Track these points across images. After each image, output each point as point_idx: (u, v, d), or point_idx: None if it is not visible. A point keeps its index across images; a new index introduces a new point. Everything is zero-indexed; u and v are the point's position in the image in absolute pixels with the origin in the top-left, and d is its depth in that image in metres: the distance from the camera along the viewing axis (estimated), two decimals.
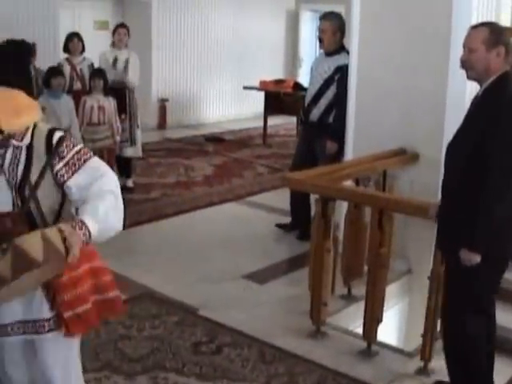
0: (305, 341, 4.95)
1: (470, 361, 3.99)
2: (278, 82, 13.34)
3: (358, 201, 5.17)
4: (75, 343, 3.08)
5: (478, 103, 3.82)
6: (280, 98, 12.65)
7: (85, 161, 2.78)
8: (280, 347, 4.82)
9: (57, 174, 2.76)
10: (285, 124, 14.42)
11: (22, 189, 2.76)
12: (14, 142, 2.77)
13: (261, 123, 13.19)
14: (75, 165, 2.76)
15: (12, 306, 2.85)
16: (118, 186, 2.84)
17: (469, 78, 3.91)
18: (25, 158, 2.77)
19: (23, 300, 2.86)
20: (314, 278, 4.99)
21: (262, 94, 13.41)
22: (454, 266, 3.86)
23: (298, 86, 12.80)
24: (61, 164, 2.75)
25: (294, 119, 13.58)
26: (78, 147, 2.81)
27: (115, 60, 8.40)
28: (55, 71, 7.54)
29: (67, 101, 7.42)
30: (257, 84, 13.56)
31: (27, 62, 3.03)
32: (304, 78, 15.25)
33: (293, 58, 16.78)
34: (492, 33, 3.74)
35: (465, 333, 3.93)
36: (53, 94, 7.32)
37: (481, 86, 3.82)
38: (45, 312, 2.89)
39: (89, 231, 2.66)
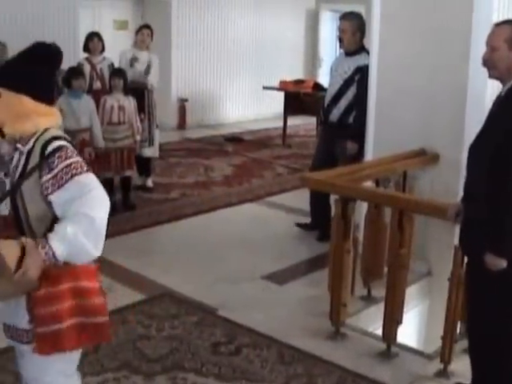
0: (324, 342, 4.94)
1: (494, 362, 3.94)
2: (298, 82, 13.32)
3: (378, 201, 5.14)
4: (54, 362, 2.88)
5: (500, 103, 3.75)
6: (300, 98, 12.64)
7: (72, 176, 2.70)
8: (299, 348, 4.81)
9: (42, 185, 2.71)
10: (304, 124, 14.38)
11: (14, 193, 2.75)
12: (19, 146, 2.78)
13: (280, 123, 13.17)
14: (62, 179, 2.69)
15: (3, 307, 2.86)
16: (104, 208, 2.72)
17: (491, 76, 3.84)
18: (23, 162, 2.76)
19: (11, 304, 2.85)
20: (333, 279, 4.98)
21: (281, 94, 13.39)
22: (478, 269, 3.80)
23: (317, 86, 12.77)
24: (49, 176, 2.71)
25: (313, 119, 13.52)
26: (71, 160, 2.74)
27: (133, 59, 8.41)
28: (76, 72, 7.54)
29: (87, 101, 7.42)
30: (276, 84, 13.53)
31: (52, 67, 2.94)
32: (324, 78, 15.21)
33: (312, 57, 16.74)
34: None
35: (489, 334, 3.88)
36: (73, 94, 7.33)
37: (503, 85, 3.76)
38: (24, 323, 2.84)
39: (53, 251, 2.61)
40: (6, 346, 3.56)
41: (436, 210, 4.47)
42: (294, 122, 13.61)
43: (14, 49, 8.64)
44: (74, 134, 7.22)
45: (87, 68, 8.50)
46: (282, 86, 13.30)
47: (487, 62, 3.78)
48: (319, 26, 16.62)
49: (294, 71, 15.30)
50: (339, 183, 4.98)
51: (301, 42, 16.41)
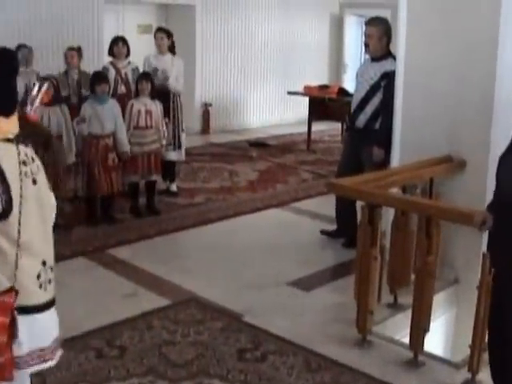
0: (350, 349, 4.90)
1: None
2: (323, 87, 13.27)
3: (404, 208, 5.11)
4: None
5: None
6: (324, 103, 12.59)
7: None
8: (325, 355, 4.78)
9: None
10: (329, 130, 14.33)
11: None
12: None
13: (304, 128, 13.13)
14: None
15: None
16: None
17: None
18: None
19: None
20: (360, 286, 4.94)
21: (305, 99, 13.35)
22: (507, 281, 3.77)
23: (342, 92, 12.73)
24: None
25: (338, 125, 13.52)
26: None
27: (154, 70, 8.44)
28: (100, 77, 7.57)
29: (112, 105, 7.43)
30: (301, 89, 13.50)
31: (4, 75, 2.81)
32: (348, 84, 15.19)
33: (337, 63, 16.70)
34: None
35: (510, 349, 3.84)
36: (98, 99, 7.36)
37: None
38: None
39: None
40: None
41: (462, 217, 4.42)
42: (319, 127, 13.57)
43: (39, 52, 8.80)
44: (98, 138, 7.27)
45: (112, 72, 8.53)
46: (307, 91, 13.26)
47: None
48: (344, 31, 16.58)
49: (318, 76, 15.30)
50: (366, 189, 4.95)
51: (325, 47, 16.38)
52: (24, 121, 2.98)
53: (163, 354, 4.73)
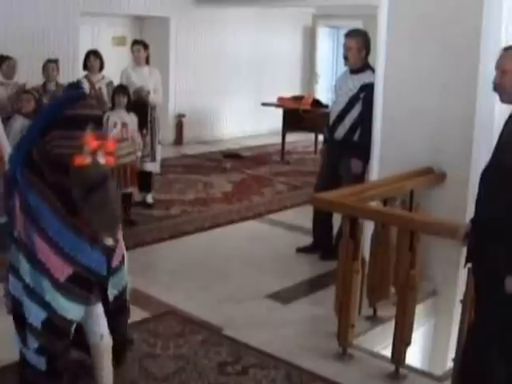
0: (332, 363, 4.88)
1: None
2: (297, 98, 13.31)
3: (391, 222, 5.10)
4: None
5: None
6: (298, 114, 12.61)
7: None
8: (306, 369, 4.75)
9: None
10: (302, 141, 14.35)
11: None
12: None
13: (277, 139, 13.15)
14: None
15: None
16: None
17: (502, 101, 3.80)
18: None
19: None
20: (342, 300, 4.92)
21: (278, 110, 13.36)
22: (490, 296, 3.77)
23: (316, 103, 12.77)
24: None
25: (311, 136, 13.55)
26: None
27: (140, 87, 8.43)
28: (74, 88, 7.51)
29: None
30: (274, 100, 13.51)
31: None
32: (320, 94, 15.28)
33: (309, 73, 16.75)
34: None
35: (484, 368, 3.83)
36: None
37: None
38: None
39: None
40: None
41: (447, 231, 4.42)
42: (292, 138, 13.57)
43: (20, 64, 8.71)
44: None
45: (86, 86, 8.46)
46: (281, 103, 13.27)
47: (498, 86, 3.75)
48: (316, 42, 16.62)
49: (291, 87, 15.33)
50: (351, 203, 4.93)
51: (298, 58, 16.44)
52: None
53: (144, 367, 4.67)
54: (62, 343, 3.85)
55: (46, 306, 3.72)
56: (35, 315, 3.75)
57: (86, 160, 3.48)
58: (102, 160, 3.39)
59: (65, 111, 3.70)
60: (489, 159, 3.83)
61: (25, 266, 3.73)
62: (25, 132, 4.00)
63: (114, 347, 4.06)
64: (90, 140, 3.47)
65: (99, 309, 4.01)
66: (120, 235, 3.91)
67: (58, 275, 3.68)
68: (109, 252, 3.80)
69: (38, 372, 3.83)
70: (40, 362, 3.80)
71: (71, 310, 3.78)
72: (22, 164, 3.76)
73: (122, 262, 4.03)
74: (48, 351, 3.79)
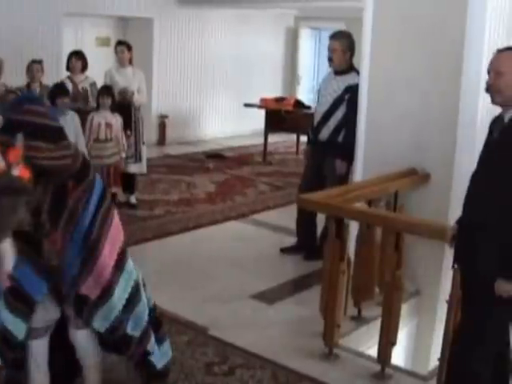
0: (318, 363, 4.90)
1: None
2: (279, 99, 13.34)
3: (377, 223, 5.13)
4: None
5: (505, 130, 3.74)
6: (281, 115, 12.64)
7: None
8: (293, 369, 4.76)
9: None
10: (283, 141, 14.42)
11: None
12: None
13: (259, 140, 13.21)
14: None
15: None
16: None
17: (494, 102, 3.81)
18: None
19: None
20: (327, 300, 4.95)
21: (260, 111, 13.39)
22: (479, 297, 3.80)
23: (298, 104, 12.81)
24: None
25: (293, 137, 13.63)
26: None
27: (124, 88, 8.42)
28: (60, 90, 7.52)
29: (72, 118, 7.37)
30: (256, 101, 13.54)
31: None
32: (302, 96, 15.32)
33: (291, 75, 16.79)
34: None
35: (470, 368, 3.87)
36: (58, 111, 7.27)
37: (507, 110, 3.74)
38: None
39: None
40: None
41: (433, 232, 4.46)
42: (273, 139, 13.61)
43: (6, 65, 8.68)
44: None
45: (69, 87, 8.44)
46: (263, 104, 13.30)
47: (491, 88, 3.76)
48: (298, 44, 16.65)
49: (273, 88, 15.40)
50: (338, 205, 4.96)
51: (280, 60, 16.47)
52: None
53: (130, 367, 4.63)
54: (12, 354, 3.72)
55: None
56: None
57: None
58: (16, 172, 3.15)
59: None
60: (478, 160, 3.86)
61: None
62: None
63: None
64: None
65: (81, 338, 3.88)
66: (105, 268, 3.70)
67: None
68: (53, 272, 3.56)
69: None
70: None
71: (12, 324, 3.61)
72: None
73: (103, 295, 3.71)
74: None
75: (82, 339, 3.89)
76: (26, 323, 3.64)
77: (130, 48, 8.68)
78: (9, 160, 2.92)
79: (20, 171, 2.97)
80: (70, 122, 7.27)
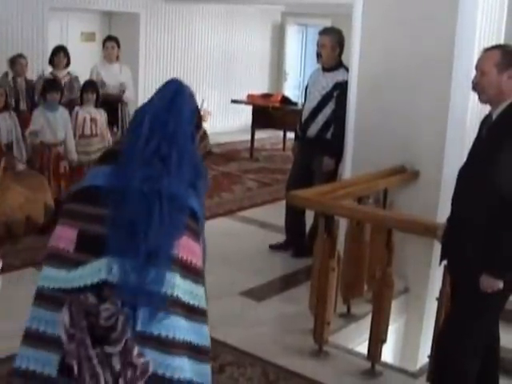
0: (308, 360, 4.90)
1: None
2: (266, 95, 13.33)
3: (368, 220, 5.13)
4: None
5: (491, 128, 3.76)
6: (268, 111, 12.61)
7: None
8: (283, 366, 4.76)
9: None
10: (270, 138, 14.39)
11: None
12: None
13: (246, 136, 13.16)
14: None
15: None
16: None
17: (480, 100, 3.84)
18: None
19: None
20: (317, 297, 4.94)
21: (247, 107, 13.37)
22: (466, 293, 3.82)
23: (285, 100, 12.80)
24: None
25: (280, 133, 13.60)
26: None
27: (102, 83, 8.38)
28: (52, 85, 7.48)
29: (62, 113, 7.34)
30: (243, 97, 13.51)
31: None
32: (289, 92, 15.30)
33: (278, 71, 16.75)
34: (504, 55, 3.68)
35: (456, 362, 3.88)
36: (48, 106, 7.24)
37: (493, 109, 3.76)
38: None
39: None
40: None
41: (424, 229, 4.46)
42: (260, 135, 13.58)
43: None
44: (51, 147, 7.15)
45: None
46: (251, 100, 13.28)
47: (477, 86, 3.78)
48: (285, 40, 16.63)
49: (259, 84, 15.37)
50: (328, 201, 4.96)
51: (267, 56, 16.42)
52: None
53: None
54: None
55: None
56: None
57: None
58: None
59: None
60: (466, 157, 3.88)
61: None
62: None
63: None
64: None
65: None
66: None
67: None
68: None
69: None
70: None
71: None
72: None
73: None
74: None
75: None
76: None
77: (119, 44, 8.63)
78: None
79: None
80: (59, 118, 7.24)
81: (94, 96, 7.66)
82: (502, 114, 3.70)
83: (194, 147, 2.67)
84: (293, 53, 16.76)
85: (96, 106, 7.72)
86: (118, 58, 8.68)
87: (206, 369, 2.54)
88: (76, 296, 2.37)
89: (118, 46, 8.59)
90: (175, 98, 2.64)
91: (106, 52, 8.59)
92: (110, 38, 8.83)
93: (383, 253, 4.68)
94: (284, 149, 13.22)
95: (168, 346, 2.39)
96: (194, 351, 2.47)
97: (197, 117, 2.77)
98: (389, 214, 5.37)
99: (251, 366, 4.75)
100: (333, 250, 4.83)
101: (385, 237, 4.70)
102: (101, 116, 7.72)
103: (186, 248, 2.46)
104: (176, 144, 2.54)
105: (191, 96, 2.75)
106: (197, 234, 2.53)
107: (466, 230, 3.75)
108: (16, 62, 8.40)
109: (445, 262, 4.07)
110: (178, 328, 2.42)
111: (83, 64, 9.11)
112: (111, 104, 8.15)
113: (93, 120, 7.61)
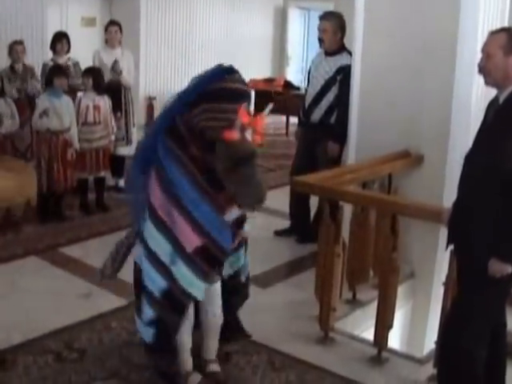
0: (313, 347, 4.88)
1: (462, 379, 3.91)
2: (268, 80, 13.29)
3: (373, 205, 5.09)
4: None
5: (498, 112, 3.71)
6: (270, 96, 12.55)
7: None
8: (289, 354, 4.74)
9: None
10: (273, 123, 14.28)
11: None
12: None
13: None
14: None
15: None
16: None
17: (487, 83, 3.81)
18: None
19: None
20: (322, 283, 4.92)
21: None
22: (472, 277, 3.79)
23: (288, 85, 12.74)
24: None
25: (282, 118, 13.51)
26: None
27: (115, 63, 8.31)
28: (59, 71, 7.43)
29: (67, 100, 7.29)
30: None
31: None
32: (291, 76, 15.23)
33: (280, 55, 16.68)
34: (510, 38, 3.65)
35: (460, 345, 3.85)
36: (54, 93, 7.18)
37: (500, 92, 3.73)
38: None
39: None
40: None
41: (429, 214, 4.42)
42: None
43: None
44: (58, 134, 7.11)
45: None
46: (253, 85, 13.19)
47: (483, 69, 3.76)
48: (287, 24, 16.54)
49: (262, 69, 15.26)
50: (333, 187, 4.91)
51: (269, 40, 16.34)
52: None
53: (124, 356, 4.61)
54: (175, 318, 3.88)
55: (168, 275, 3.75)
56: (156, 283, 3.78)
57: (235, 135, 3.56)
58: (249, 137, 3.38)
59: (214, 84, 3.77)
60: (472, 142, 3.83)
61: (157, 237, 3.78)
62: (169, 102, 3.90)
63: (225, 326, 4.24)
64: (242, 115, 3.56)
65: (217, 287, 4.09)
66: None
67: (185, 245, 3.71)
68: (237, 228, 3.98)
69: (145, 344, 3.96)
70: (148, 334, 3.90)
71: (192, 286, 3.80)
72: (163, 132, 3.77)
73: (241, 242, 4.23)
74: (159, 325, 3.84)
75: (217, 291, 4.15)
76: (208, 283, 3.93)
77: (121, 29, 8.56)
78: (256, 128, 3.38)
79: (253, 137, 3.31)
80: (64, 105, 7.20)
81: (91, 81, 7.55)
82: (508, 99, 3.66)
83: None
84: (295, 37, 16.70)
85: (99, 93, 7.64)
86: (120, 42, 8.60)
87: None
88: None
89: (121, 31, 8.52)
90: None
91: (109, 36, 8.49)
92: (112, 23, 8.75)
93: (388, 238, 4.63)
94: (287, 134, 13.16)
95: None
96: None
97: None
98: (394, 199, 5.32)
99: (257, 353, 4.72)
100: (337, 235, 4.79)
101: (390, 222, 4.65)
102: (105, 103, 7.64)
103: None
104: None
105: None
106: None
107: (473, 215, 3.72)
108: (12, 48, 8.31)
109: (451, 247, 4.04)
110: None
111: (84, 49, 9.03)
112: (114, 89, 8.08)
113: (96, 107, 7.54)
